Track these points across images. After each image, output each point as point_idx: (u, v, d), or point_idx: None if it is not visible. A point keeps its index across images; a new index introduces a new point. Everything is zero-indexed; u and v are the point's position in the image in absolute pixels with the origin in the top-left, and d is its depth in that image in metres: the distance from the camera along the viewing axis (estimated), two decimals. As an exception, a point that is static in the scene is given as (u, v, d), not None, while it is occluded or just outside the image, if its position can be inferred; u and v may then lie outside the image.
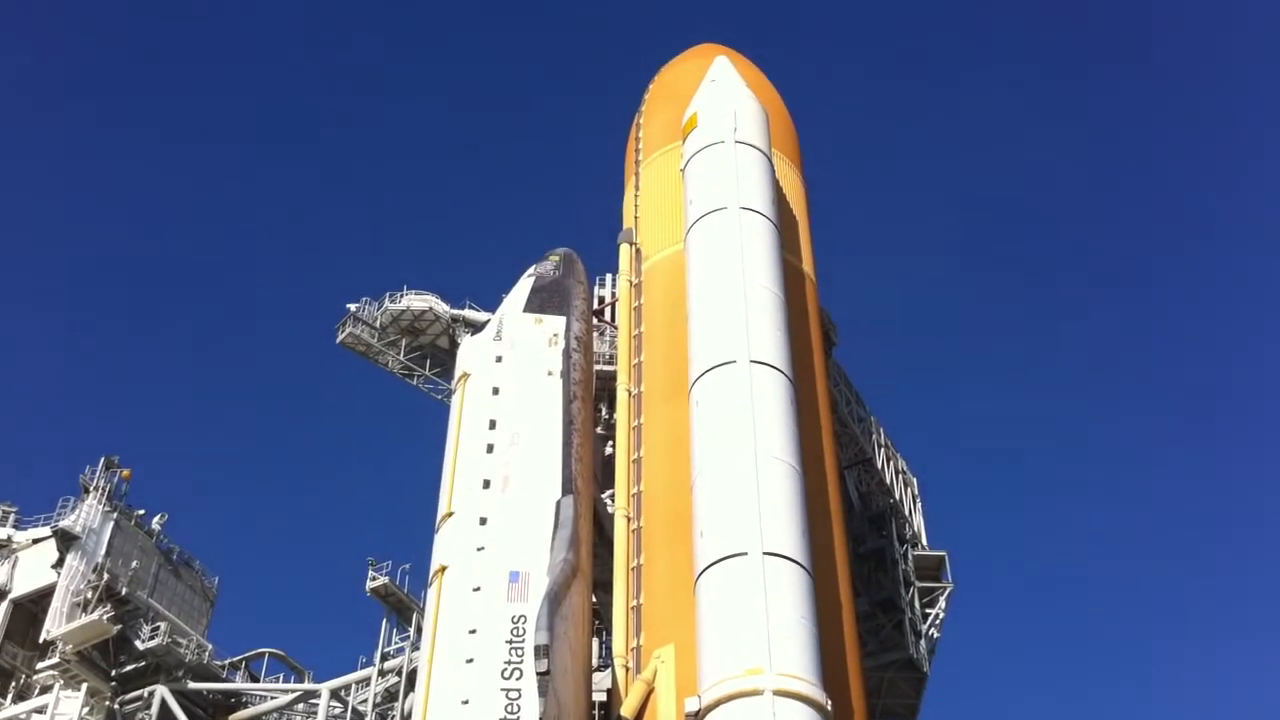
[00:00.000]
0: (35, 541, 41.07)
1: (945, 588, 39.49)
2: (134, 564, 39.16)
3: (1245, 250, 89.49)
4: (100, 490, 40.25)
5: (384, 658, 35.64)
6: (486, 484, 28.69)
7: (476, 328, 37.19)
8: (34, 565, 40.37)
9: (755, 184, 30.45)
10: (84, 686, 36.30)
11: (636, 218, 34.88)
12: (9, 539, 41.91)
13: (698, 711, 22.56)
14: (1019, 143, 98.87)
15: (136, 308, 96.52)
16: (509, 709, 24.14)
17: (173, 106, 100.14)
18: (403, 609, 35.76)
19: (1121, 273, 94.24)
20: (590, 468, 30.81)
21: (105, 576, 37.58)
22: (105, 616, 36.93)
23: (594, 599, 29.65)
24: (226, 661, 39.35)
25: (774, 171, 31.62)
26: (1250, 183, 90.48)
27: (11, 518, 42.88)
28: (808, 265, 33.88)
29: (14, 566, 41.03)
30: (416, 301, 43.16)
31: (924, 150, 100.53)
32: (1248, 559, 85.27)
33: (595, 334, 35.76)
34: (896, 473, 42.13)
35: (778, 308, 28.24)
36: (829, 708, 22.32)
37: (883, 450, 41.75)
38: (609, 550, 29.39)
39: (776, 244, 29.67)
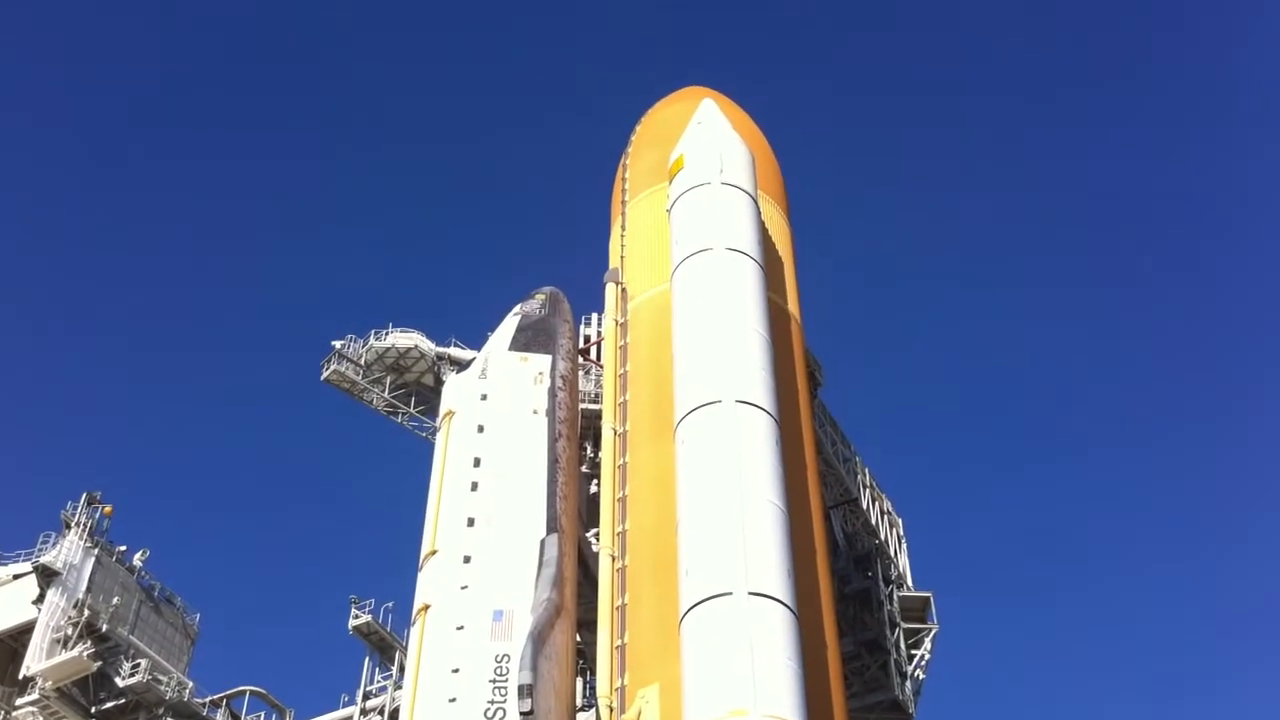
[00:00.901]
0: (16, 577, 40.85)
1: (931, 629, 39.42)
2: (115, 600, 38.98)
3: (1235, 267, 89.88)
4: (81, 526, 40.10)
5: (366, 696, 35.50)
6: (471, 522, 28.66)
7: (461, 366, 37.22)
8: (14, 601, 40.13)
9: (741, 225, 30.60)
10: (63, 724, 36.07)
11: (622, 257, 35.00)
12: (-11, 576, 41.69)
13: (682, 752, 22.51)
14: (1006, 179, 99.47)
15: (119, 343, 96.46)
16: (492, 749, 24.07)
17: (157, 140, 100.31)
18: (385, 647, 35.63)
19: (1109, 313, 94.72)
20: (575, 506, 30.81)
21: (86, 613, 37.44)
22: (85, 653, 36.78)
23: (578, 638, 29.58)
24: (207, 699, 39.12)
25: (760, 213, 31.80)
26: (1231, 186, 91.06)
27: (-9, 554, 42.65)
28: (793, 306, 34.02)
29: (-7, 603, 40.79)
30: (401, 339, 43.21)
31: (910, 192, 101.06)
32: (1239, 593, 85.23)
33: (581, 373, 35.83)
34: (882, 513, 42.16)
35: (763, 348, 28.33)
36: (813, 749, 22.27)
37: (868, 490, 41.80)
38: (593, 589, 29.33)
39: (762, 285, 29.81)
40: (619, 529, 29.21)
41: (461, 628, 26.49)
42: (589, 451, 35.26)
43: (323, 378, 43.20)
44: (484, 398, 31.41)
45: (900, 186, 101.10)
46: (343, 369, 42.93)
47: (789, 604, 23.98)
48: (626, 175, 37.04)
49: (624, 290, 33.92)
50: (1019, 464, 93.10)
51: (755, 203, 31.62)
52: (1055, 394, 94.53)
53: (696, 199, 31.18)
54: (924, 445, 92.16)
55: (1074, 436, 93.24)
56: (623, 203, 36.52)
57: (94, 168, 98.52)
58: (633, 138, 38.01)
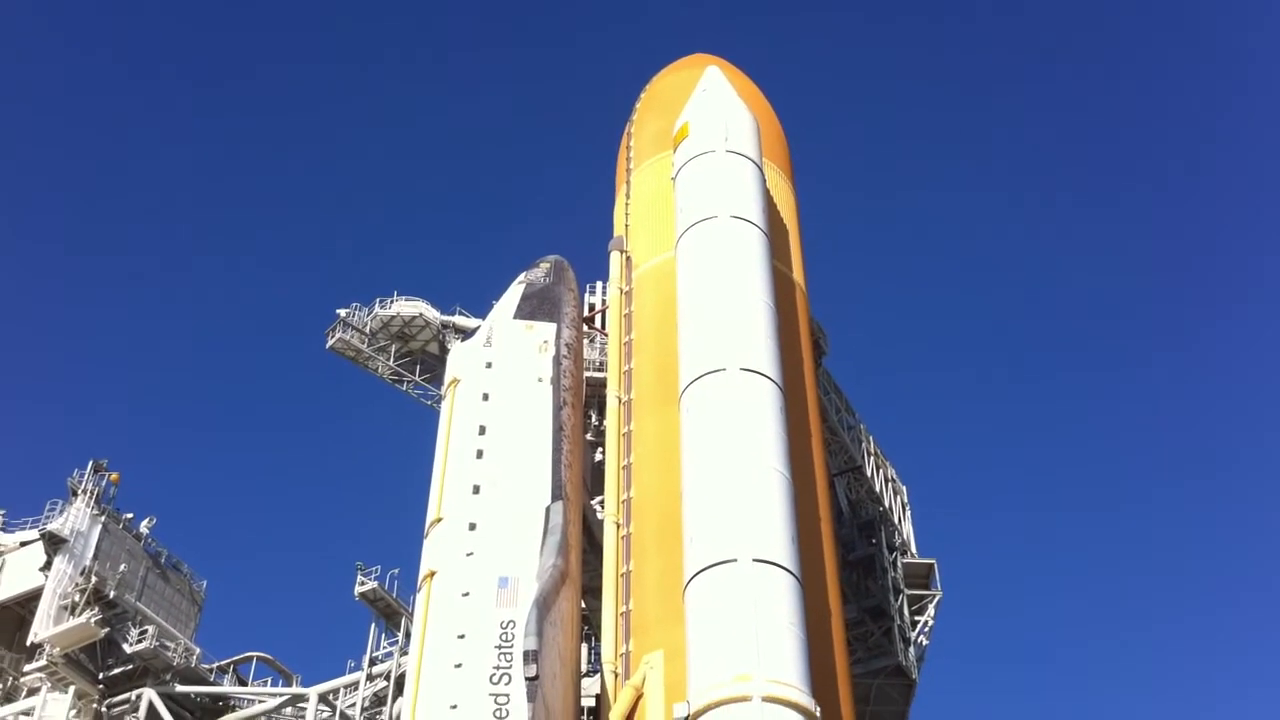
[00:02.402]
0: (23, 544, 41.06)
1: (934, 595, 39.65)
2: (122, 567, 39.16)
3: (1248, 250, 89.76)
4: (88, 494, 40.24)
5: (372, 662, 35.67)
6: (476, 489, 28.75)
7: (466, 334, 37.26)
8: (21, 568, 40.36)
9: (746, 193, 30.58)
10: (71, 689, 36.29)
11: (627, 225, 35.01)
12: (-4, 542, 41.91)
13: (687, 717, 22.63)
14: (1016, 150, 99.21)
15: (125, 310, 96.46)
16: (497, 714, 24.19)
17: (163, 111, 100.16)
18: (391, 614, 35.80)
19: (1119, 278, 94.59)
20: (580, 474, 30.91)
21: (93, 579, 37.60)
22: (93, 620, 36.95)
23: (583, 605, 29.75)
24: (214, 665, 39.34)
25: (765, 181, 31.79)
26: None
27: (-1, 520, 42.87)
28: (798, 274, 34.03)
29: (1, 569, 40.99)
30: (406, 307, 43.26)
31: (916, 160, 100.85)
32: (1244, 561, 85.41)
33: (585, 341, 35.90)
34: (886, 480, 42.30)
35: (768, 316, 28.36)
36: (818, 714, 22.39)
37: (872, 458, 41.93)
38: (598, 556, 29.50)
39: (767, 252, 29.80)
40: (624, 496, 29.33)
41: (467, 594, 26.63)
42: (594, 419, 35.36)
43: (328, 346, 43.29)
44: (489, 366, 31.46)
45: (907, 153, 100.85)
46: (348, 337, 43.02)
47: (793, 570, 24.09)
48: (631, 143, 37.00)
49: (629, 258, 33.95)
50: (1023, 431, 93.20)
51: (760, 170, 31.60)
52: (1061, 364, 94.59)
53: (701, 167, 31.15)
54: (928, 412, 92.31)
55: (1078, 405, 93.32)
56: (627, 170, 36.49)
57: (92, 134, 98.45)
58: (637, 105, 37.94)
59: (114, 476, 41.53)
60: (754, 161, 31.44)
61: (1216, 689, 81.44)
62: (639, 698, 25.49)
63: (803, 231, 35.57)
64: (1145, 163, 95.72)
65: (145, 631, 37.52)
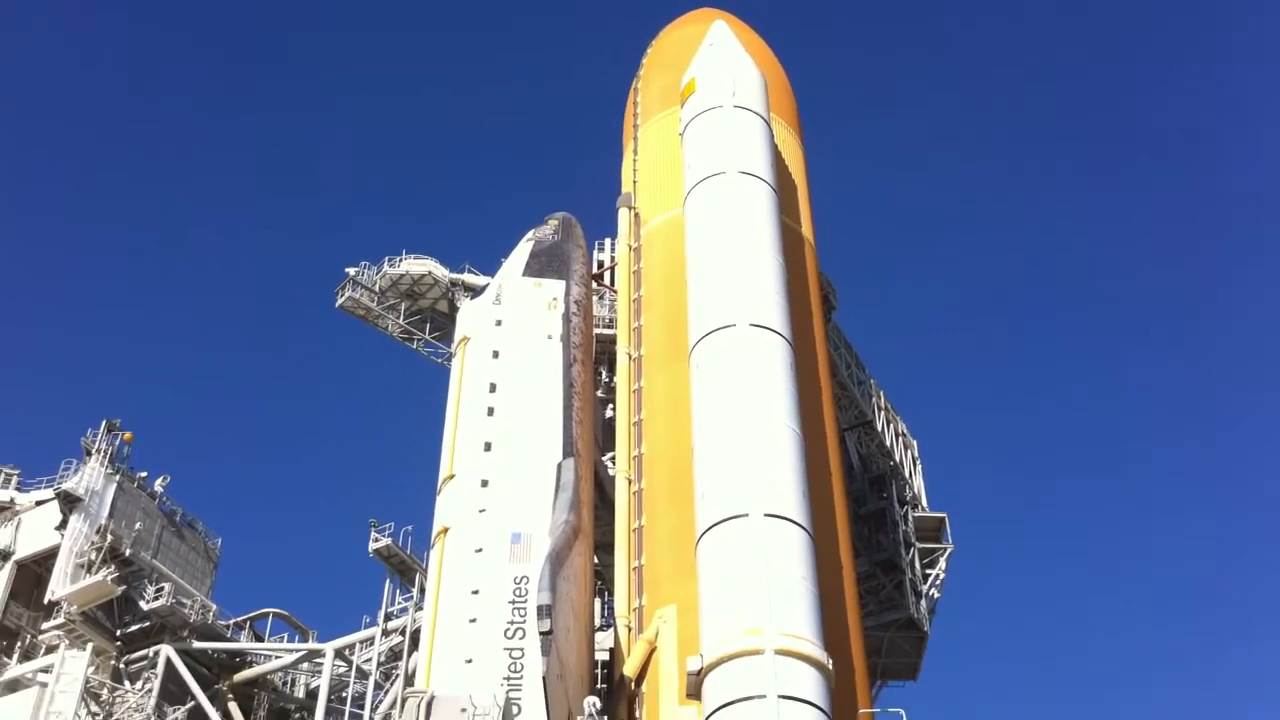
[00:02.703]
0: (38, 504, 41.22)
1: (945, 549, 39.79)
2: (137, 526, 39.37)
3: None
4: (102, 453, 40.36)
5: (388, 618, 35.90)
6: (488, 446, 28.92)
7: (476, 292, 37.26)
8: (37, 527, 40.54)
9: (754, 149, 30.53)
10: (89, 646, 36.53)
11: (635, 182, 34.97)
12: (12, 501, 42.08)
13: (699, 670, 22.87)
14: (1023, 111, 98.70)
15: (138, 271, 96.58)
16: (512, 668, 24.49)
17: (171, 74, 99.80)
18: (405, 570, 35.99)
19: (1124, 235, 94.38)
20: (591, 431, 31.03)
21: (109, 538, 37.80)
22: (109, 577, 37.16)
23: (596, 560, 29.94)
24: (231, 621, 39.60)
25: (773, 136, 31.69)
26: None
27: (14, 480, 43.03)
28: (807, 230, 34.00)
29: (17, 528, 41.20)
30: (415, 265, 43.25)
31: (923, 115, 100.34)
32: (1241, 515, 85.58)
33: (595, 298, 35.92)
34: (897, 435, 42.38)
35: (777, 272, 28.38)
36: (830, 666, 22.61)
37: (883, 413, 41.99)
38: (610, 512, 29.66)
39: (775, 208, 29.78)
40: (635, 452, 29.47)
41: (480, 550, 26.85)
42: (604, 376, 35.43)
43: (338, 304, 43.35)
44: (498, 323, 31.55)
45: (916, 107, 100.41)
46: (357, 295, 43.06)
47: (804, 525, 24.25)
48: (638, 99, 36.88)
49: (637, 215, 33.93)
50: (1035, 385, 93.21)
51: (768, 126, 31.51)
52: (1069, 319, 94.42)
53: (709, 122, 31.08)
54: (939, 367, 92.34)
55: (1088, 359, 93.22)
56: (635, 127, 36.40)
57: (99, 102, 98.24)
58: (644, 61, 37.78)
59: (127, 436, 41.63)
60: (762, 117, 31.36)
61: (1218, 637, 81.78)
62: (652, 651, 25.73)
63: (811, 187, 35.53)
64: (1147, 129, 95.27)
65: (162, 589, 37.74)
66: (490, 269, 37.82)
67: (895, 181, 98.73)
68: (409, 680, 32.40)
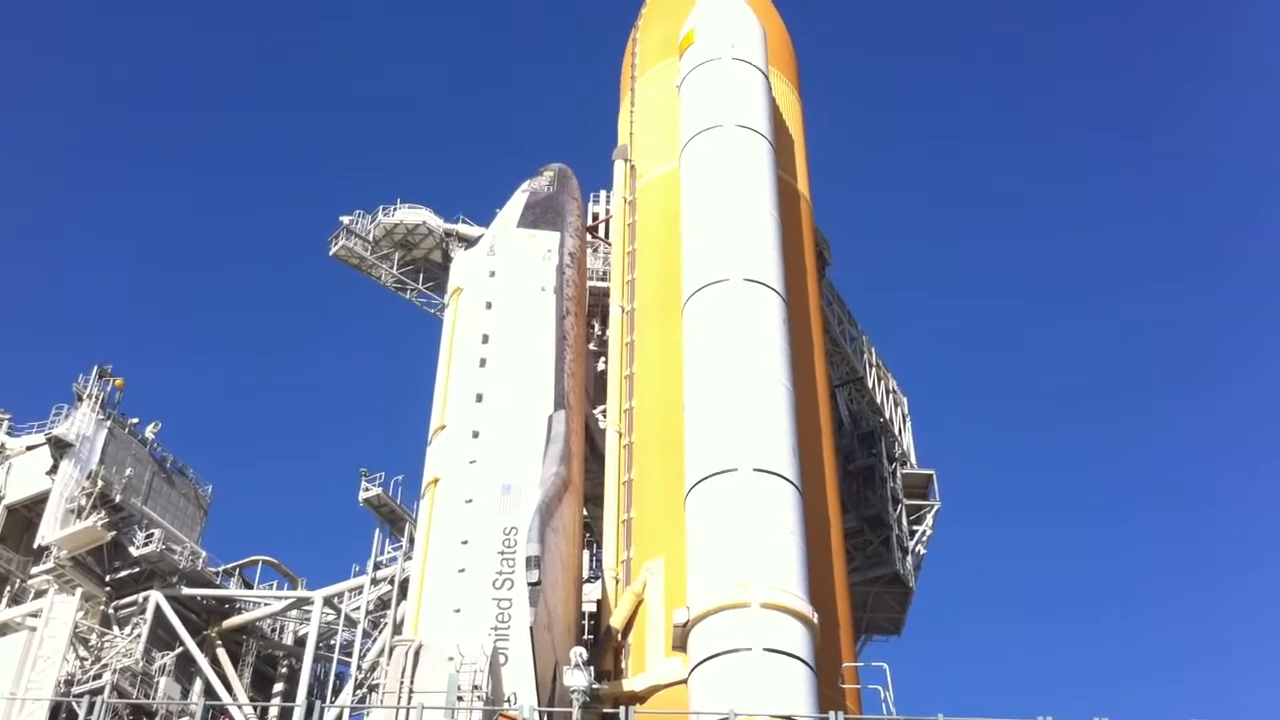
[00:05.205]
0: (29, 448, 41.25)
1: (933, 506, 39.98)
2: (128, 472, 39.38)
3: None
4: (94, 399, 40.34)
5: (377, 566, 36.06)
6: (479, 398, 28.90)
7: (470, 242, 37.20)
8: (28, 472, 40.59)
9: (752, 102, 30.35)
10: (78, 591, 36.60)
11: (631, 134, 34.81)
12: (2, 445, 42.11)
13: (686, 623, 22.96)
14: (1020, 61, 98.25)
15: (131, 218, 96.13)
16: (500, 618, 24.58)
17: (162, 19, 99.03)
18: (395, 519, 36.12)
19: (1125, 190, 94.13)
20: (582, 383, 31.03)
21: (99, 484, 37.84)
22: (100, 523, 37.26)
23: (585, 513, 30.01)
24: (220, 568, 39.74)
25: (771, 89, 31.50)
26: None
27: (4, 424, 43.04)
28: (803, 185, 33.88)
29: (8, 473, 41.26)
30: (409, 215, 43.13)
31: (921, 70, 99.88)
32: (1241, 474, 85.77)
33: (589, 250, 35.83)
34: (887, 392, 42.47)
35: (772, 227, 28.30)
36: (815, 620, 22.70)
37: (874, 369, 42.06)
38: (600, 465, 29.70)
39: (772, 162, 29.64)
40: (626, 406, 29.49)
41: (470, 501, 26.88)
42: (597, 329, 35.39)
43: (331, 253, 43.23)
44: (492, 274, 31.45)
45: (914, 60, 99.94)
46: (351, 244, 42.94)
47: (793, 480, 24.29)
48: (636, 50, 36.65)
49: (633, 167, 33.81)
50: (1025, 346, 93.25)
51: (766, 79, 31.32)
52: (1061, 275, 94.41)
53: (707, 75, 30.87)
54: (931, 325, 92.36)
55: (1081, 316, 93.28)
56: (632, 78, 36.19)
57: (98, 44, 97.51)
58: (643, 10, 37.51)
59: (119, 382, 41.60)
60: (760, 70, 31.16)
61: (1209, 593, 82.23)
62: (639, 603, 25.85)
63: (808, 141, 35.37)
64: (1155, 90, 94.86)
65: (151, 535, 37.82)
66: (484, 220, 37.72)
67: (891, 138, 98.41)
68: (397, 629, 32.57)
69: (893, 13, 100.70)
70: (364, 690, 34.98)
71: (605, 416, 30.88)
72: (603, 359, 33.66)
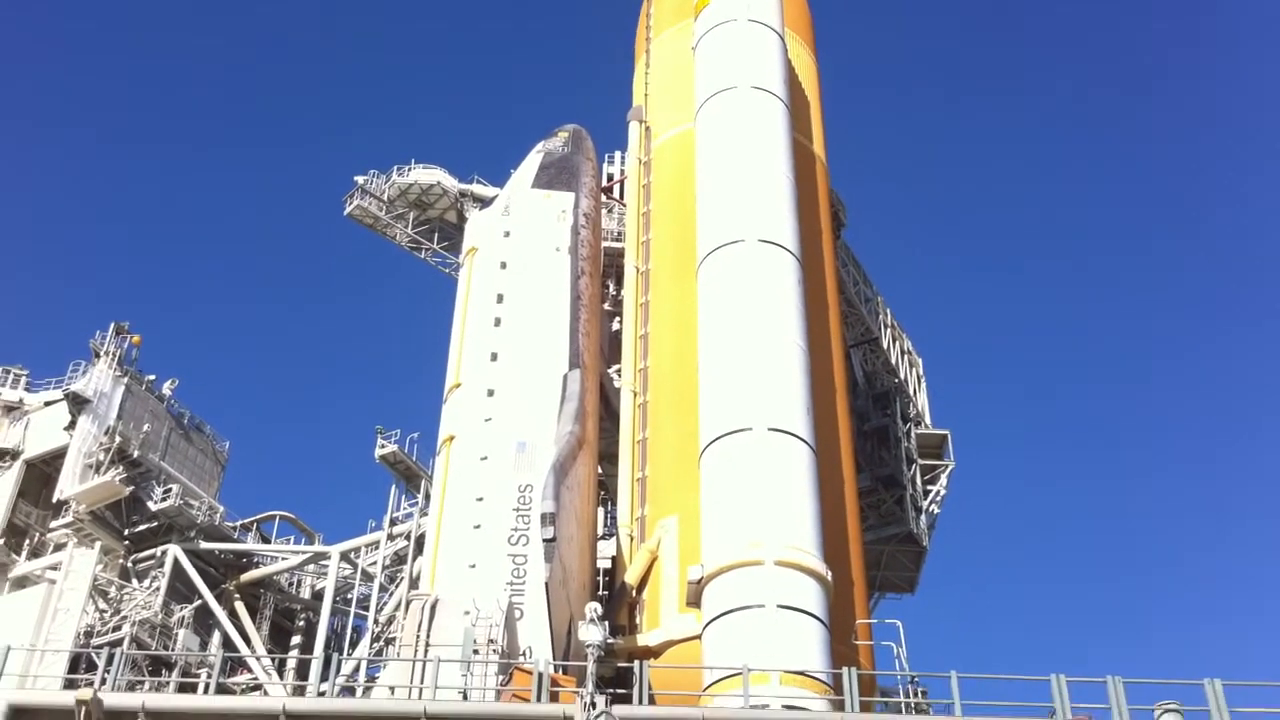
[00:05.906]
0: (47, 404, 41.48)
1: (947, 465, 40.14)
2: (145, 427, 39.65)
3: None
4: (111, 355, 40.55)
5: (393, 522, 36.32)
6: (494, 357, 29.10)
7: (484, 202, 37.30)
8: (46, 427, 40.82)
9: (767, 63, 30.38)
10: (97, 545, 36.98)
11: (646, 95, 34.82)
12: (21, 401, 42.33)
13: (700, 580, 23.23)
14: (1038, 20, 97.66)
15: (148, 176, 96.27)
16: (515, 573, 24.86)
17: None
18: (411, 476, 36.35)
19: (1126, 159, 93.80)
20: (597, 343, 31.21)
21: (117, 439, 38.12)
22: (118, 478, 37.55)
23: (600, 470, 30.24)
24: (238, 523, 40.06)
25: (786, 51, 31.50)
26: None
27: (23, 381, 43.28)
28: (818, 147, 33.89)
29: (26, 428, 41.47)
30: (424, 175, 43.17)
31: (938, 31, 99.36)
32: (1251, 433, 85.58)
33: (604, 211, 35.91)
34: (902, 352, 42.59)
35: (787, 188, 28.38)
36: (829, 578, 22.96)
37: (889, 330, 42.16)
38: (615, 424, 29.92)
39: (787, 124, 29.69)
40: (641, 365, 29.66)
41: (485, 458, 27.12)
42: (611, 289, 35.53)
43: (346, 213, 43.35)
44: (507, 235, 31.57)
45: (931, 21, 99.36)
46: (366, 204, 43.04)
47: (807, 439, 24.49)
48: (651, 10, 36.60)
49: (648, 129, 33.84)
50: (1039, 307, 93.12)
51: (782, 40, 31.32)
52: (1080, 237, 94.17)
53: (722, 36, 30.88)
54: (946, 286, 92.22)
55: (1094, 283, 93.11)
56: (647, 40, 36.16)
57: (115, 19, 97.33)
58: (660, -29, 37.40)
59: (136, 339, 41.77)
60: (776, 31, 31.16)
61: (1219, 552, 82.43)
62: (654, 560, 26.11)
63: (824, 104, 35.35)
64: (1169, 46, 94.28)
65: (169, 490, 38.15)
66: (499, 180, 37.79)
67: (907, 99, 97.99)
68: (413, 584, 32.87)
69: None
70: (380, 643, 35.34)
71: (620, 376, 31.07)
72: (618, 319, 33.81)
